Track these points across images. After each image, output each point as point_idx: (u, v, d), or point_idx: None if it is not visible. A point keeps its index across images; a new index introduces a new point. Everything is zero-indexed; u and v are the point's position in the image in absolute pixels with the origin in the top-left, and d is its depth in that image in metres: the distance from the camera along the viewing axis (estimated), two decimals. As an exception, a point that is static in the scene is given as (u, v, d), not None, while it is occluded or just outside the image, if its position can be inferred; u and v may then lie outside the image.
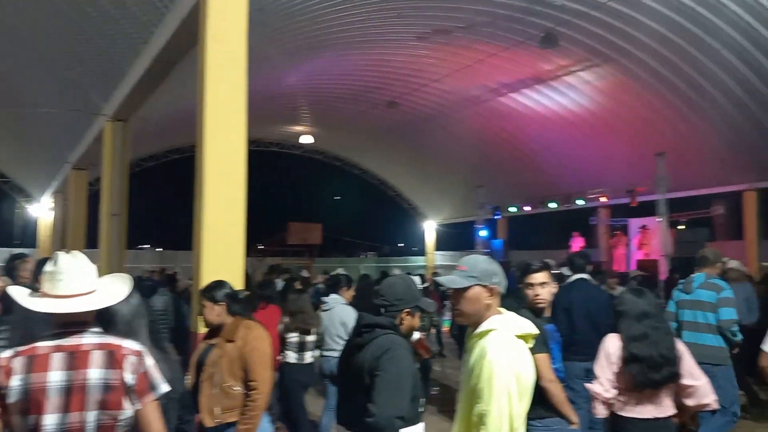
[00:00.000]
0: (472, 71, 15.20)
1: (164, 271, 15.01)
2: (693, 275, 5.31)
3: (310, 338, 5.62)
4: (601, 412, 3.48)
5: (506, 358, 2.19)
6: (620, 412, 3.42)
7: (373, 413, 2.28)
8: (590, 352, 5.01)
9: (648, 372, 3.28)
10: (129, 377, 2.15)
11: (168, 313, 6.43)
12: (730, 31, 11.46)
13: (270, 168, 30.92)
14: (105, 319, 2.40)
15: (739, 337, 5.03)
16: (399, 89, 16.87)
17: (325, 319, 5.91)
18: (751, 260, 14.15)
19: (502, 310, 2.43)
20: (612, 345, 3.46)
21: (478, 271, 2.37)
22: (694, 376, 3.36)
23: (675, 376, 3.32)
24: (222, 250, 5.27)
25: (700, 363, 4.78)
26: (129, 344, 2.23)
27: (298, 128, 22.48)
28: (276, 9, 11.16)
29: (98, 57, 11.35)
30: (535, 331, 2.39)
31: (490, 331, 2.30)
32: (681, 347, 3.43)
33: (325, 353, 5.90)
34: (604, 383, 3.42)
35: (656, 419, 3.32)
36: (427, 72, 15.81)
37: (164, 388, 2.25)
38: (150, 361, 2.24)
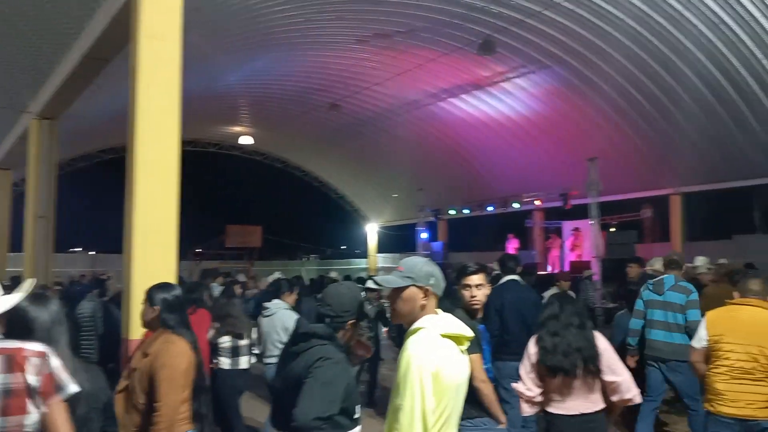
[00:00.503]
0: (412, 75, 15.37)
1: (99, 275, 14.47)
2: (662, 277, 5.51)
3: (244, 342, 5.53)
4: (526, 410, 3.63)
5: (425, 355, 2.22)
6: (549, 410, 3.55)
7: (295, 416, 2.28)
8: (522, 352, 5.17)
9: (555, 358, 3.46)
10: (32, 379, 2.07)
11: (96, 319, 6.20)
12: (657, 43, 12.01)
13: (208, 169, 30.29)
14: (22, 327, 2.31)
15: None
16: (341, 92, 16.87)
17: (266, 324, 5.82)
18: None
19: (438, 311, 2.47)
20: (531, 344, 3.66)
21: (415, 272, 2.39)
22: (615, 371, 3.48)
23: (591, 369, 3.45)
24: (154, 253, 5.14)
25: (672, 360, 5.14)
26: (31, 346, 2.15)
27: (238, 129, 22.14)
28: (214, 8, 10.97)
29: (25, 51, 10.84)
30: (468, 332, 2.43)
31: (418, 329, 2.33)
32: (602, 344, 3.55)
33: (267, 360, 5.81)
34: (526, 382, 3.58)
35: (583, 414, 3.44)
36: (368, 75, 15.88)
37: (72, 388, 2.18)
38: (56, 362, 2.16)
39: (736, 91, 12.34)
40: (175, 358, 3.05)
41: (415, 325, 2.35)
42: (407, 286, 2.37)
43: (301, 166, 26.62)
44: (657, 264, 6.84)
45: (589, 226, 16.14)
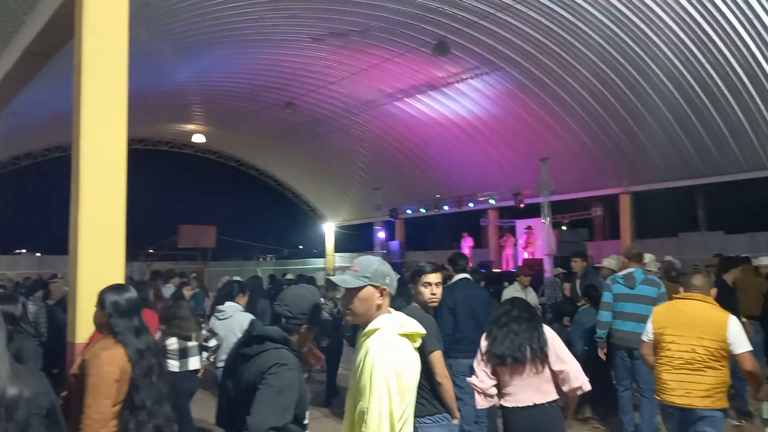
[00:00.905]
0: (368, 75, 15.39)
1: (47, 278, 13.96)
2: (630, 271, 5.63)
3: (192, 344, 5.44)
4: (480, 403, 3.72)
5: (388, 356, 2.23)
6: (504, 404, 3.65)
7: (249, 425, 2.24)
8: (474, 348, 5.23)
9: (504, 346, 3.58)
10: None
11: (39, 323, 5.98)
12: (605, 45, 12.33)
13: (161, 168, 29.64)
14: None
15: None
16: (296, 90, 16.76)
17: (222, 327, 5.73)
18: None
19: (392, 310, 2.48)
20: (483, 339, 3.78)
21: (370, 271, 2.40)
22: (563, 360, 3.57)
23: (539, 357, 3.56)
24: (100, 254, 4.99)
25: (636, 348, 5.18)
26: None
27: (191, 127, 21.74)
28: (163, 3, 10.75)
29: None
30: (422, 330, 2.44)
31: (376, 330, 2.33)
32: (549, 333, 3.66)
33: (220, 363, 5.71)
34: (480, 375, 3.68)
35: (536, 405, 3.52)
36: (323, 74, 15.82)
37: (10, 392, 2.11)
38: None
39: (680, 95, 12.77)
40: (104, 367, 2.89)
41: (372, 326, 2.36)
42: (364, 286, 2.38)
43: (256, 165, 26.32)
44: (614, 261, 7.04)
45: (541, 225, 16.46)
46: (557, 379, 3.60)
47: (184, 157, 25.45)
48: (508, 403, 3.61)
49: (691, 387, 3.77)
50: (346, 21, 12.80)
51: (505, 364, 3.59)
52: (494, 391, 3.68)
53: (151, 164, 27.83)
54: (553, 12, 11.77)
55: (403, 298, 5.75)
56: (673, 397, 3.84)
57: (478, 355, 3.74)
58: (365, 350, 2.28)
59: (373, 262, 2.44)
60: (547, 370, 3.58)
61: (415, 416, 3.29)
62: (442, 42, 12.56)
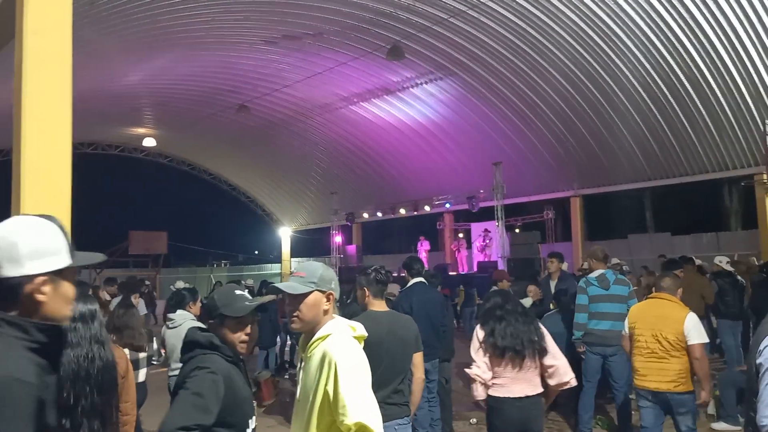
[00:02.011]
0: (322, 79, 15.34)
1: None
2: (602, 272, 5.80)
3: (143, 355, 5.28)
4: (480, 393, 3.75)
5: (350, 356, 2.23)
6: (494, 394, 3.71)
7: (160, 425, 2.17)
8: (429, 352, 5.27)
9: (507, 339, 3.66)
10: None
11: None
12: (556, 53, 12.61)
13: (110, 173, 28.90)
14: None
15: None
16: (249, 93, 16.56)
17: (173, 336, 5.59)
18: (577, 260, 15.62)
19: (336, 315, 2.46)
20: (479, 330, 3.81)
21: (317, 277, 2.37)
22: (555, 356, 3.73)
23: (538, 350, 3.67)
24: (43, 262, 4.81)
25: (614, 345, 5.46)
26: None
27: (141, 130, 21.23)
28: (110, 3, 10.46)
29: None
30: (366, 334, 2.44)
31: (328, 335, 2.30)
32: (543, 329, 3.81)
33: (171, 372, 5.55)
34: (481, 366, 3.71)
35: (527, 397, 3.65)
36: (277, 77, 15.69)
37: None
38: None
39: (625, 98, 13.15)
40: None
41: (324, 331, 2.33)
42: (311, 292, 2.35)
43: (209, 169, 25.87)
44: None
45: (495, 228, 16.70)
46: (545, 373, 3.72)
47: (135, 162, 24.86)
48: (499, 393, 3.68)
49: (658, 373, 4.35)
50: (299, 24, 12.73)
51: (504, 356, 3.66)
52: (491, 382, 3.74)
53: (100, 169, 27.12)
54: (505, 18, 11.97)
55: (357, 303, 5.75)
56: (645, 382, 4.43)
57: (476, 345, 3.76)
58: (323, 356, 2.24)
59: (318, 268, 2.41)
60: (538, 364, 3.70)
61: (393, 418, 3.31)
62: (396, 47, 12.63)
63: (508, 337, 3.66)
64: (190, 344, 2.39)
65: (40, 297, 1.45)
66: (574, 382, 3.79)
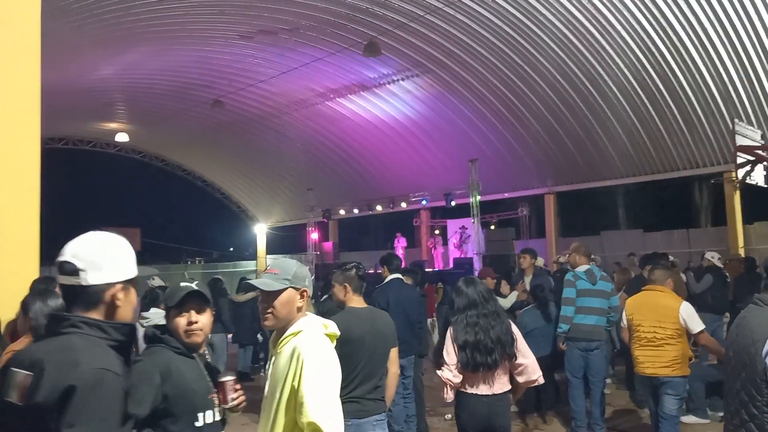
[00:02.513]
0: (298, 74, 15.24)
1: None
2: (589, 267, 5.88)
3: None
4: (451, 396, 3.73)
5: (320, 353, 2.22)
6: (462, 389, 3.71)
7: None
8: (405, 348, 5.29)
9: (478, 356, 3.60)
10: None
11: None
12: (530, 48, 12.71)
13: (82, 168, 28.38)
14: None
15: (617, 318, 5.92)
16: (224, 88, 16.38)
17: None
18: (551, 256, 15.78)
19: (309, 312, 2.45)
20: (452, 333, 3.75)
21: (291, 273, 2.36)
22: (525, 355, 3.74)
23: (509, 355, 3.66)
24: (12, 260, 4.70)
25: (597, 340, 5.64)
26: None
27: (114, 125, 20.87)
28: (82, -4, 10.27)
29: None
30: (338, 332, 2.45)
31: (299, 332, 2.30)
32: (514, 330, 3.79)
33: None
34: (453, 370, 3.67)
35: (495, 394, 3.66)
36: (253, 72, 15.55)
37: None
38: None
39: (599, 96, 13.32)
40: None
41: (295, 328, 2.33)
42: (285, 289, 2.33)
43: (183, 165, 25.55)
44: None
45: (471, 225, 16.78)
46: (514, 370, 3.74)
47: (107, 157, 24.42)
48: (467, 389, 3.69)
49: (655, 360, 4.63)
50: (275, 19, 12.63)
51: (477, 371, 3.63)
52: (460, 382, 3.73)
53: (72, 164, 26.58)
54: (481, 16, 12.03)
55: (332, 300, 5.73)
56: (643, 368, 4.72)
57: (450, 348, 3.70)
58: (293, 353, 2.23)
59: (292, 265, 2.41)
60: (507, 366, 3.72)
61: (373, 414, 3.31)
62: (372, 42, 12.60)
63: (485, 355, 3.60)
64: (147, 338, 2.39)
65: (117, 302, 1.69)
66: (541, 380, 3.81)
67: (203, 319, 2.36)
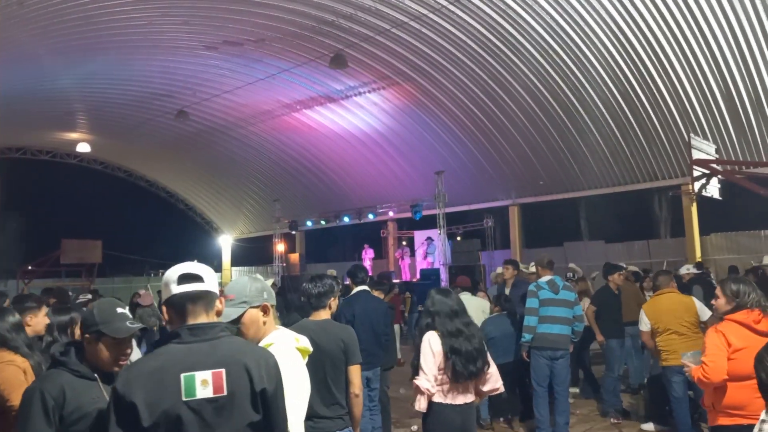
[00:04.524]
0: (265, 85, 15.20)
1: None
2: (551, 278, 5.92)
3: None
4: (424, 407, 3.66)
5: (287, 368, 2.20)
6: (436, 400, 3.67)
7: None
8: (372, 360, 5.28)
9: (466, 364, 3.60)
10: None
11: None
12: (493, 63, 12.92)
13: (41, 179, 27.67)
14: None
15: (581, 327, 6.02)
16: (189, 98, 16.22)
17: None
18: (515, 267, 15.93)
19: (278, 326, 2.44)
20: (434, 341, 3.65)
21: (246, 294, 2.35)
22: (490, 364, 3.76)
23: (487, 366, 3.70)
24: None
25: (561, 349, 5.71)
26: None
27: (75, 135, 20.44)
28: (41, 5, 10.06)
29: None
30: (310, 347, 2.47)
31: (270, 345, 2.29)
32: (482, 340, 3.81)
33: None
34: (431, 379, 3.61)
35: (466, 404, 3.67)
36: (218, 83, 15.44)
37: None
38: None
39: (563, 112, 13.60)
40: (11, 371, 2.93)
41: (266, 341, 2.33)
42: (245, 312, 2.33)
43: (146, 175, 25.14)
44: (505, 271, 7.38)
45: (438, 236, 16.90)
46: (481, 379, 3.72)
47: (68, 168, 23.86)
48: (440, 399, 3.66)
49: (683, 349, 4.74)
50: (240, 30, 12.59)
51: (458, 380, 3.62)
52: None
53: (30, 175, 25.87)
54: (445, 30, 12.19)
55: (299, 312, 5.69)
56: (673, 360, 5.09)
57: (429, 357, 3.61)
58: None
59: (245, 285, 2.40)
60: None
61: (335, 430, 3.27)
62: (339, 55, 12.65)
63: (470, 364, 3.61)
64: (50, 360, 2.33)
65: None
66: (502, 389, 3.85)
67: (131, 346, 2.34)
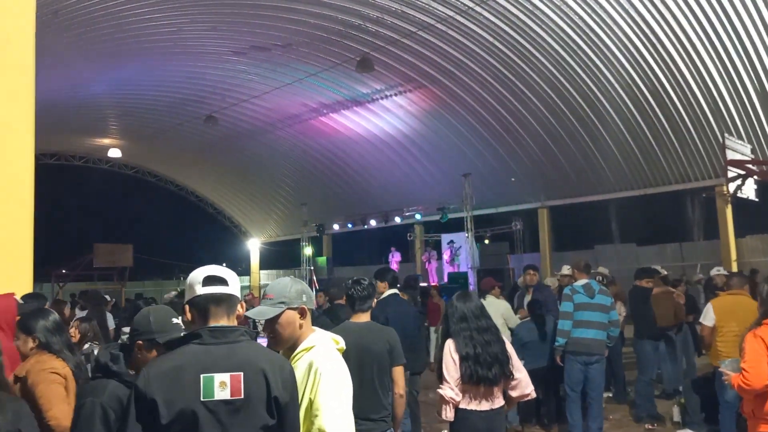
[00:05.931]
0: (292, 89, 15.30)
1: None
2: (587, 282, 5.84)
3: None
4: (450, 416, 3.63)
5: (336, 369, 2.25)
6: (462, 406, 3.63)
7: None
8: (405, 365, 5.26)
9: (478, 369, 3.55)
10: None
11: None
12: (522, 65, 12.81)
13: (74, 184, 28.24)
14: None
15: (617, 332, 5.96)
16: (218, 103, 16.41)
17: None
18: (545, 270, 15.80)
19: (315, 327, 2.45)
20: (453, 348, 3.64)
21: (286, 295, 2.35)
22: (519, 370, 3.72)
23: (506, 375, 3.63)
24: (5, 276, 4.66)
25: (597, 354, 5.62)
26: None
27: (107, 141, 20.85)
28: (75, 14, 10.28)
29: None
30: (344, 346, 2.47)
31: (312, 347, 2.30)
32: (509, 347, 3.75)
33: None
34: (454, 388, 3.58)
35: (492, 409, 3.63)
36: (246, 88, 15.60)
37: None
38: None
39: (592, 112, 13.42)
40: (50, 375, 2.89)
41: (307, 344, 2.33)
42: (282, 312, 2.32)
43: (176, 180, 25.52)
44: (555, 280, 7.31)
45: (465, 239, 16.79)
46: (508, 386, 3.70)
47: (100, 173, 24.35)
48: (466, 405, 3.63)
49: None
50: (268, 35, 12.69)
51: (478, 384, 3.59)
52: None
53: (64, 180, 26.47)
54: (472, 32, 12.13)
55: (327, 316, 5.69)
56: None
57: (450, 364, 3.60)
58: (307, 365, 2.24)
59: (286, 285, 2.39)
60: (503, 382, 3.69)
61: None
62: (365, 59, 12.67)
63: (485, 369, 3.57)
64: (96, 367, 2.33)
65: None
66: (533, 395, 3.80)
67: None
